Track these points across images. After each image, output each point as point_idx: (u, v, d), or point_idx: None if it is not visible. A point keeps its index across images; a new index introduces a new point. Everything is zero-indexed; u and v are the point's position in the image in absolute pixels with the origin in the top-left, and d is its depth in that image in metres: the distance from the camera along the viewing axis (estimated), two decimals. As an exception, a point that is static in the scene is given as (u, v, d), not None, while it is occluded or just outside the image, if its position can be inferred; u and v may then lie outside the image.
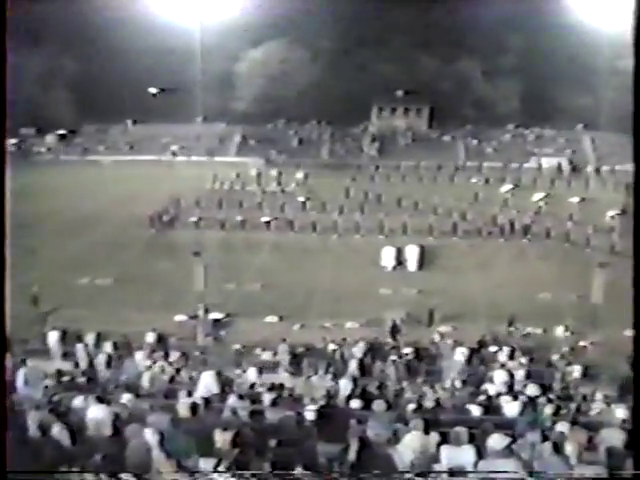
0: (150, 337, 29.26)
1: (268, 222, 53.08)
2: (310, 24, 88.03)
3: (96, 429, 12.47)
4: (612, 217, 52.90)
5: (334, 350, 28.16)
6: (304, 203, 58.16)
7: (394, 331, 32.73)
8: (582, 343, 31.86)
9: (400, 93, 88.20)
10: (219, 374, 20.10)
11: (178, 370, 22.21)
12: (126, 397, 16.11)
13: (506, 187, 64.41)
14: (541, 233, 50.89)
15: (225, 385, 19.76)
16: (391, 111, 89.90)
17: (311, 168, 73.46)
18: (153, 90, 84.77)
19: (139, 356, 23.92)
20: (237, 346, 29.57)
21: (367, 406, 16.69)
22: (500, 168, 74.31)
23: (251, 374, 22.18)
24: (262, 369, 23.30)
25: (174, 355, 25.06)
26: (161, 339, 29.30)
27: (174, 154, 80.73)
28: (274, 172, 70.95)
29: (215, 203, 57.88)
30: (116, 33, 78.96)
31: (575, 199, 58.02)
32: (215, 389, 18.68)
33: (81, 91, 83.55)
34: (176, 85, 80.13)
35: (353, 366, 25.23)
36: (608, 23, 77.44)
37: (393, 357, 26.08)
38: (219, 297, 36.44)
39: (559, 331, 33.53)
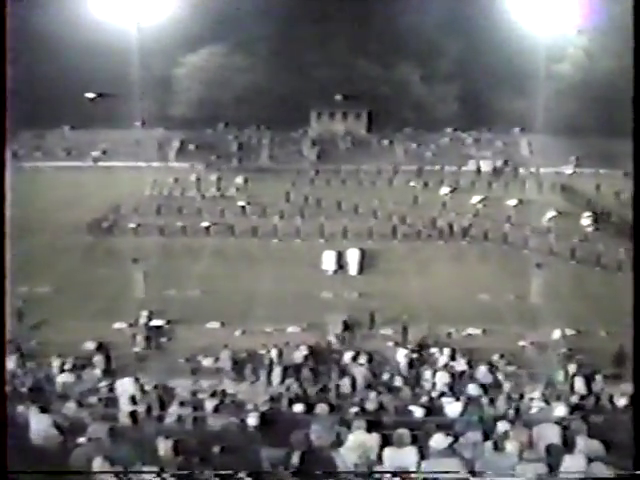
0: (90, 345, 28.91)
1: (208, 227, 52.74)
2: (249, 29, 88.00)
3: (40, 438, 12.32)
4: (549, 219, 53.74)
5: (276, 355, 28.11)
6: (244, 208, 57.97)
7: (343, 334, 32.79)
8: (521, 343, 32.28)
9: (339, 97, 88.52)
10: (137, 380, 19.95)
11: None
12: (68, 406, 15.92)
13: (445, 190, 65.05)
14: (480, 235, 51.38)
15: (165, 393, 19.58)
16: (330, 115, 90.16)
17: (251, 173, 73.38)
18: (90, 95, 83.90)
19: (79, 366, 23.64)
20: (178, 353, 29.36)
21: (310, 410, 16.70)
22: (439, 171, 75.01)
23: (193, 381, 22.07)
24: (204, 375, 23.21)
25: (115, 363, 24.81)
26: (101, 347, 28.91)
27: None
28: (214, 177, 70.58)
29: (154, 209, 57.37)
30: (52, 36, 77.81)
31: (512, 201, 58.81)
32: (138, 395, 18.47)
33: (16, 96, 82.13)
34: (114, 90, 79.40)
35: (295, 370, 25.21)
36: (544, 28, 78.90)
37: (336, 361, 26.16)
38: (159, 304, 36.12)
39: (499, 331, 33.86)
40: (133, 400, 17.13)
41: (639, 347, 9.84)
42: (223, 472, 10.59)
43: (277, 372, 25.21)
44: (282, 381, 23.17)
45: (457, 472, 11.05)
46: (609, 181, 69.07)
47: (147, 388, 21.11)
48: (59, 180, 70.19)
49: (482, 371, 24.58)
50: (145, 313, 33.85)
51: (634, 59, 9.91)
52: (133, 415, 14.96)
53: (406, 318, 33.70)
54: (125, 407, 16.06)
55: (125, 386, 19.33)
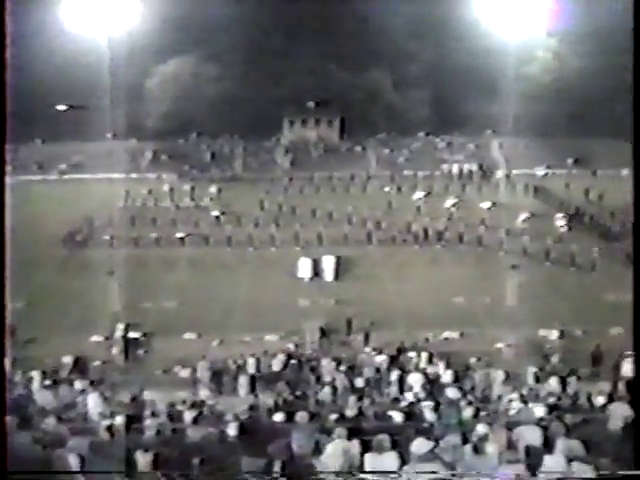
0: (67, 359, 28.73)
1: (182, 238, 52.58)
2: (219, 38, 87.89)
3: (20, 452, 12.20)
4: (523, 220, 54.04)
5: (254, 364, 28.07)
6: (218, 217, 57.84)
7: (320, 341, 32.83)
8: (498, 345, 32.44)
9: (311, 104, 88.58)
10: (102, 394, 19.84)
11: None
12: (47, 422, 15.80)
13: (418, 194, 65.18)
14: (454, 238, 51.58)
15: (142, 405, 19.46)
16: (302, 123, 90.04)
17: (224, 182, 73.22)
18: (62, 107, 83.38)
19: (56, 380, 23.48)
20: (155, 365, 29.27)
21: (290, 419, 16.67)
22: (412, 176, 75.15)
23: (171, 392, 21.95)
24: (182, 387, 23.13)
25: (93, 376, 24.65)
26: (78, 361, 28.74)
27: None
28: (187, 187, 70.35)
29: (128, 220, 57.08)
30: (22, 47, 77.35)
31: (486, 204, 59.09)
32: (101, 409, 18.34)
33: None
34: (85, 101, 79.00)
35: (274, 379, 25.19)
36: (514, 31, 79.35)
37: (315, 368, 26.16)
38: (135, 316, 35.99)
39: (475, 334, 34.00)
40: (112, 414, 16.97)
41: (639, 345, 9.91)
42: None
43: (256, 381, 25.18)
44: (261, 390, 23.13)
45: (435, 473, 11.04)
46: (581, 181, 69.56)
47: (125, 401, 21.02)
48: (32, 194, 69.69)
49: (460, 374, 24.66)
50: (121, 325, 33.70)
51: (634, 60, 9.99)
52: (110, 429, 14.84)
53: (369, 325, 33.97)
54: (103, 421, 15.94)
55: (94, 401, 19.20)
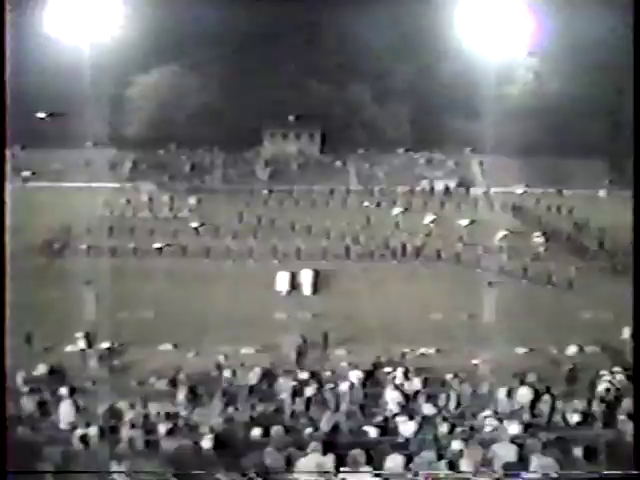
0: (41, 369, 28.45)
1: (160, 248, 52.40)
2: (201, 50, 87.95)
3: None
4: (501, 238, 54.24)
5: (230, 377, 27.91)
6: (197, 229, 57.69)
7: (296, 355, 32.73)
8: (474, 361, 32.45)
9: (292, 118, 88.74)
10: (76, 404, 19.69)
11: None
12: (21, 430, 15.68)
13: (397, 210, 65.31)
14: (432, 255, 51.73)
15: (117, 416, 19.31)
16: (283, 136, 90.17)
17: (204, 193, 73.04)
18: (41, 114, 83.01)
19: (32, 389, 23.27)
20: (131, 376, 29.04)
21: (265, 432, 16.61)
22: (391, 192, 75.27)
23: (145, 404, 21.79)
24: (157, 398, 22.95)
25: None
26: (53, 371, 28.45)
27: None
28: (166, 198, 70.15)
29: (106, 230, 56.80)
30: (2, 52, 76.98)
31: (464, 221, 59.28)
32: (72, 418, 18.19)
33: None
34: (65, 109, 78.71)
35: (249, 392, 25.09)
36: (495, 50, 79.87)
37: (291, 382, 26.03)
38: (111, 326, 35.74)
39: (452, 350, 33.99)
40: (87, 425, 16.82)
41: (639, 354, 9.96)
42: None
43: (231, 394, 25.02)
44: (236, 403, 22.98)
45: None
46: (558, 200, 69.99)
47: (99, 411, 20.86)
48: (9, 200, 69.20)
49: (436, 390, 24.64)
50: (97, 336, 33.49)
51: (634, 59, 10.03)
52: (84, 439, 14.73)
53: (346, 340, 34.13)
54: (77, 431, 15.81)
55: (67, 411, 19.05)
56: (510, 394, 24.13)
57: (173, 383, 27.38)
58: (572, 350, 33.68)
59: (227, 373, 28.11)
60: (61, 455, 12.67)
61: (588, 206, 66.25)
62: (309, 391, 24.92)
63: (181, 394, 25.72)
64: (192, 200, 69.03)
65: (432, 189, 78.85)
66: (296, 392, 25.13)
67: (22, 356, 29.86)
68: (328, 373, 29.13)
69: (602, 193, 75.10)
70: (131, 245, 52.41)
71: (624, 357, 30.71)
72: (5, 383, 10.12)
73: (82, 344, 33.57)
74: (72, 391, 23.72)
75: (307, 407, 22.84)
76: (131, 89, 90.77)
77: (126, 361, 32.53)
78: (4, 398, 10.90)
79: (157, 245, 52.59)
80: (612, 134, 78.67)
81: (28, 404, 21.10)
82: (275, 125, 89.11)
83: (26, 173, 79.91)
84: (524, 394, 24.76)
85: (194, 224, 58.47)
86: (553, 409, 22.30)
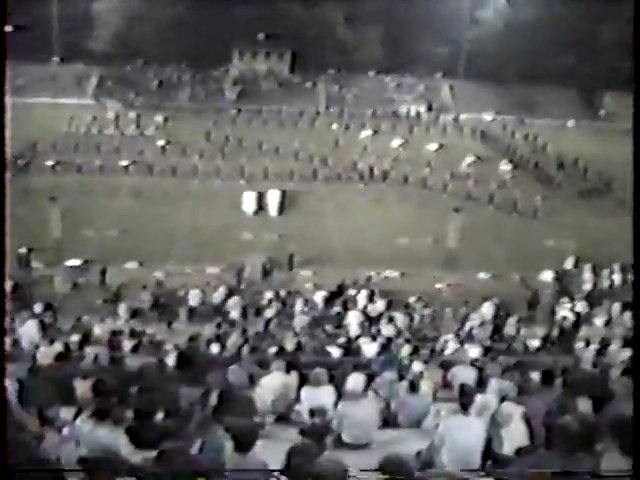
0: (6, 286, 28.35)
1: (127, 166, 51.89)
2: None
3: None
4: (468, 164, 54.36)
5: (197, 295, 28.07)
6: (164, 147, 57.12)
7: (262, 275, 32.96)
8: (438, 285, 32.89)
9: (262, 36, 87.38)
10: (41, 322, 19.71)
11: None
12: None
13: (366, 133, 65.01)
14: (400, 179, 51.77)
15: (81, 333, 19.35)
16: (253, 55, 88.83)
17: (171, 111, 72.13)
18: (8, 28, 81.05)
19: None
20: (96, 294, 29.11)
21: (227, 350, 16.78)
22: (360, 114, 74.84)
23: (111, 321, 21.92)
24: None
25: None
26: (17, 288, 28.37)
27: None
28: (133, 115, 69.23)
29: (72, 147, 56.11)
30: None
31: (433, 146, 59.20)
32: (37, 338, 18.22)
33: None
34: (31, 23, 76.89)
35: (214, 311, 25.29)
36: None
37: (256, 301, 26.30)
38: (77, 243, 35.65)
39: (416, 274, 34.35)
40: (51, 342, 16.81)
41: (638, 341, 10.07)
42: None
43: (196, 312, 25.24)
44: (201, 322, 23.17)
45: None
46: (527, 129, 70.11)
47: (65, 328, 20.93)
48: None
49: (399, 312, 24.95)
50: (62, 253, 33.46)
51: (634, 59, 9.93)
52: (49, 356, 14.77)
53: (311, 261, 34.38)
54: (42, 348, 15.85)
55: (33, 328, 19.05)
56: (471, 319, 24.55)
57: (139, 301, 27.51)
58: (533, 277, 34.16)
59: (193, 292, 28.26)
60: (27, 372, 12.68)
61: (556, 135, 66.36)
62: (273, 311, 25.18)
63: (146, 312, 25.90)
64: (159, 118, 68.14)
65: (401, 113, 78.42)
66: (260, 311, 25.38)
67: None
68: (293, 293, 29.41)
69: (570, 123, 75.19)
70: (97, 162, 51.80)
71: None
72: (4, 381, 10.09)
73: (47, 261, 33.52)
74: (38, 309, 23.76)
75: (270, 326, 23.08)
76: (99, 3, 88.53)
77: (91, 279, 32.50)
78: (4, 397, 10.89)
79: (123, 163, 52.02)
80: (585, 64, 78.43)
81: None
82: (245, 43, 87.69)
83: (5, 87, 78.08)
84: (487, 310, 25.23)
85: (161, 142, 57.82)
86: (518, 332, 22.73)
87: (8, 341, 18.42)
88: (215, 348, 17.02)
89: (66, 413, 10.65)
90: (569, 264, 34.56)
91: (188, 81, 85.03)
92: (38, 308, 23.11)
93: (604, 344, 17.94)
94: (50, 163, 51.41)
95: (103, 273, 31.69)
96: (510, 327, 23.28)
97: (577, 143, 60.38)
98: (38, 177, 48.98)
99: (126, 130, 64.10)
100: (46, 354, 15.08)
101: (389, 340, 19.17)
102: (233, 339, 18.52)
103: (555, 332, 22.53)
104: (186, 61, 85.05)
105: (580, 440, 7.24)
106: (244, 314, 25.58)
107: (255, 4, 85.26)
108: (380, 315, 25.04)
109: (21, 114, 66.53)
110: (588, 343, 18.70)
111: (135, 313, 25.62)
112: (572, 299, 27.94)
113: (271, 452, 7.14)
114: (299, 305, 26.34)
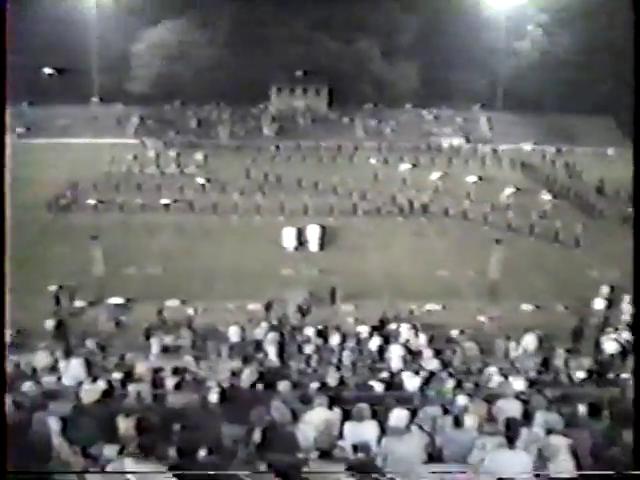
0: (49, 324, 28.63)
1: (167, 204, 52.36)
2: (208, 4, 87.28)
3: None
4: (508, 195, 54.13)
5: (238, 332, 28.04)
6: (204, 185, 57.63)
7: (302, 310, 32.85)
8: (480, 318, 32.60)
9: (299, 73, 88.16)
10: (86, 360, 19.84)
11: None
12: (27, 385, 15.81)
13: (404, 166, 65.05)
14: (439, 211, 51.67)
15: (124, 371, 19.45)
16: (290, 91, 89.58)
17: (210, 149, 72.88)
18: (48, 70, 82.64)
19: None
20: (138, 331, 29.21)
21: (271, 387, 16.74)
22: (398, 148, 74.97)
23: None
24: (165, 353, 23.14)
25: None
26: (60, 325, 28.64)
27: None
28: (173, 154, 69.99)
29: (113, 186, 56.86)
30: (10, 11, 76.44)
31: (472, 178, 59.07)
32: (83, 376, 18.30)
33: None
34: (72, 65, 78.41)
35: (256, 347, 25.24)
36: (505, 5, 79.40)
37: (298, 338, 26.22)
38: (119, 281, 35.95)
39: (458, 307, 34.10)
40: (95, 379, 16.93)
41: (639, 343, 9.99)
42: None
43: (238, 349, 25.19)
44: (244, 358, 23.12)
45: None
46: (567, 158, 69.76)
47: (108, 366, 21.04)
48: (18, 158, 69.11)
49: (442, 346, 24.77)
50: (106, 291, 33.75)
51: (634, 59, 9.95)
52: (92, 393, 14.86)
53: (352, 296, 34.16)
54: (85, 386, 15.94)
55: (76, 366, 19.19)
56: (515, 351, 24.29)
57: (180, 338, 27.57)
58: (578, 307, 33.73)
59: (234, 328, 28.25)
60: (71, 409, 12.79)
61: (596, 164, 65.95)
62: (315, 346, 25.09)
63: (188, 349, 25.94)
64: (199, 156, 68.89)
65: (440, 145, 78.50)
66: (302, 347, 25.29)
67: (29, 311, 29.99)
68: (335, 329, 29.28)
69: (610, 151, 74.64)
70: (138, 201, 52.35)
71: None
72: (5, 382, 10.18)
73: (90, 299, 33.83)
74: (81, 346, 23.97)
75: (312, 361, 22.99)
76: (137, 44, 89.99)
77: (134, 317, 32.68)
78: (4, 397, 10.98)
79: (164, 201, 52.52)
80: (620, 92, 78.02)
81: (34, 359, 21.22)
82: (282, 80, 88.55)
83: (20, 129, 78.65)
84: (530, 342, 24.91)
85: (201, 180, 58.38)
86: (567, 364, 22.40)
87: (53, 379, 18.62)
88: (258, 384, 17.01)
89: (109, 450, 10.71)
90: (604, 294, 34.03)
91: (227, 119, 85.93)
92: (82, 345, 23.28)
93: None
94: (92, 202, 52.05)
95: (160, 312, 31.71)
96: (558, 359, 22.95)
97: (617, 170, 59.75)
98: (80, 216, 49.58)
99: (166, 169, 64.82)
100: (90, 392, 15.16)
101: (432, 374, 19.03)
102: (275, 375, 18.50)
103: (601, 363, 22.22)
104: (225, 99, 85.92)
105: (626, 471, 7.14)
106: (286, 350, 25.50)
107: (292, 41, 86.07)
108: (422, 349, 24.84)
109: (63, 154, 67.89)
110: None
111: (177, 350, 25.68)
112: (616, 329, 27.54)
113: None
114: (341, 340, 26.21)
